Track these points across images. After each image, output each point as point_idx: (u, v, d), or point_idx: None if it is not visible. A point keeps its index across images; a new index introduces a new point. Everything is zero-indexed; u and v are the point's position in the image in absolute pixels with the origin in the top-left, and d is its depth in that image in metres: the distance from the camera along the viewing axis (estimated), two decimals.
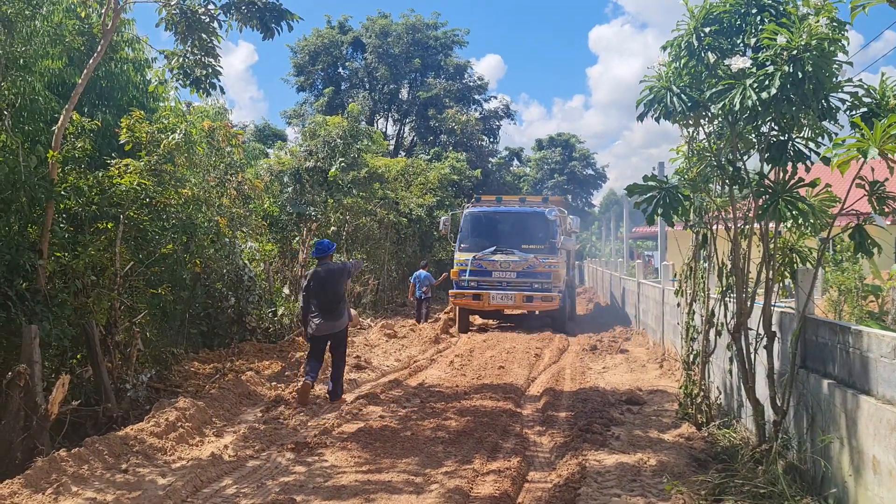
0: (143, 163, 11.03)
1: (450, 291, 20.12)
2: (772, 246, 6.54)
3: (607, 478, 6.70)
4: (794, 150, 5.96)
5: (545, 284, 18.75)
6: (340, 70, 49.72)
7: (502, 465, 7.11)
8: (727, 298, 8.01)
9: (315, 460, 7.47)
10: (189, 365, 12.95)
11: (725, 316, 7.64)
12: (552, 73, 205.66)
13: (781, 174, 6.09)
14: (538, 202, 21.16)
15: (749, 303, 6.87)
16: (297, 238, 21.43)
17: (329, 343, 10.41)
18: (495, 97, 66.63)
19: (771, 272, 6.54)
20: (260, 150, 32.68)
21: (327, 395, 10.46)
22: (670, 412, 9.49)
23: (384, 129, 47.56)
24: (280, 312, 17.72)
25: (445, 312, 23.87)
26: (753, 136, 6.34)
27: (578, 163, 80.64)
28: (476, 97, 50.88)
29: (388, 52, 46.80)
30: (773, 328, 6.92)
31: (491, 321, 21.52)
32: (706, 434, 8.32)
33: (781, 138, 6.04)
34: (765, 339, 6.71)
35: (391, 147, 44.91)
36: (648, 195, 6.48)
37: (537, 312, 19.57)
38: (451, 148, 44.14)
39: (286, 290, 19.54)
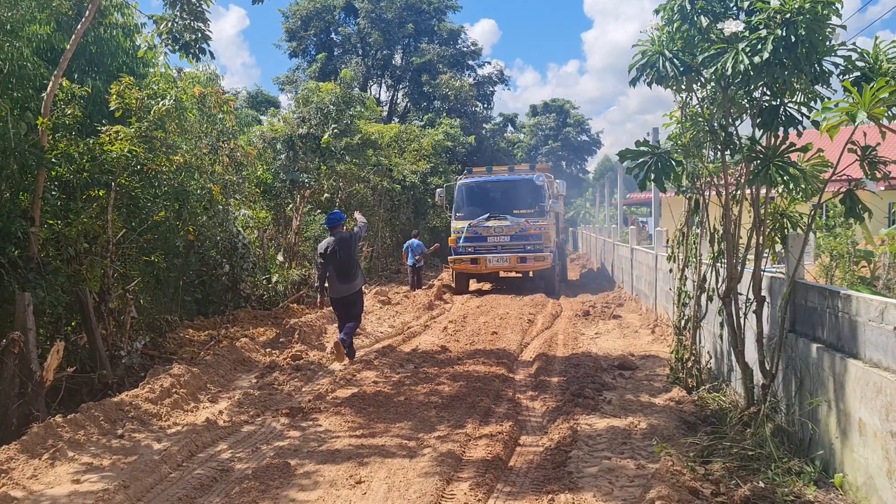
0: (133, 129, 10.94)
1: (449, 258, 21.08)
2: (763, 211, 6.56)
3: (598, 441, 6.79)
4: (785, 115, 5.95)
5: (537, 245, 19.69)
6: (333, 35, 49.26)
7: (494, 430, 7.18)
8: (718, 264, 8.06)
9: (309, 425, 7.54)
10: (184, 332, 13.03)
11: (717, 281, 7.68)
12: (547, 38, 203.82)
13: (773, 139, 6.09)
14: (526, 170, 22.45)
15: (739, 268, 6.90)
16: (290, 205, 21.40)
17: (345, 304, 10.74)
18: (489, 63, 66.18)
19: (761, 237, 6.56)
20: (253, 116, 32.46)
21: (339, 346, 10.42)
22: (662, 377, 9.57)
23: (377, 96, 47.22)
24: (274, 279, 17.75)
25: (439, 280, 23.99)
26: (746, 101, 6.31)
27: (573, 129, 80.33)
28: (470, 63, 50.55)
29: (381, 17, 46.32)
30: (763, 293, 6.97)
31: (486, 285, 22.38)
32: (696, 398, 8.41)
33: (773, 103, 6.02)
34: (754, 303, 6.75)
35: (384, 114, 44.66)
36: (640, 161, 6.48)
37: (531, 274, 20.48)
38: (444, 114, 43.92)
39: (280, 258, 19.55)
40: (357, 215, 12.01)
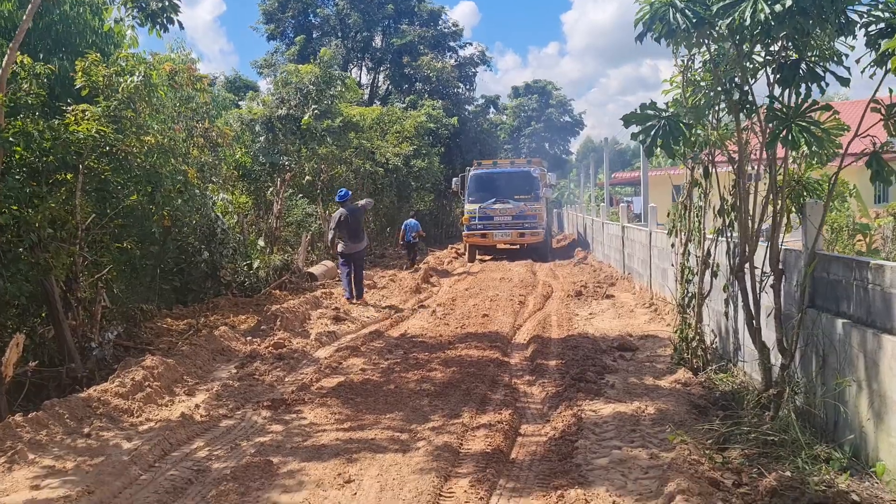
0: (101, 109, 10.33)
1: (463, 233, 25.93)
2: (780, 177, 6.05)
3: (605, 429, 6.31)
4: (807, 69, 5.43)
5: (532, 224, 24.62)
6: (311, 17, 48.32)
7: (493, 419, 6.69)
8: (726, 237, 7.58)
9: (293, 418, 7.01)
10: (161, 321, 12.46)
11: (730, 256, 7.18)
12: (526, 20, 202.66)
13: (794, 97, 5.57)
14: (524, 163, 27.82)
15: (755, 239, 6.39)
16: (270, 189, 20.77)
17: (353, 260, 14.59)
18: (470, 44, 65.31)
19: (779, 204, 6.06)
20: (231, 100, 31.65)
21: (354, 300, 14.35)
22: (664, 357, 9.11)
23: (358, 79, 46.34)
24: (256, 265, 17.16)
25: (425, 263, 23.48)
26: (763, 56, 5.79)
27: (555, 110, 79.77)
28: (451, 44, 49.72)
29: None
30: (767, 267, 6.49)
31: (488, 257, 26.55)
32: (703, 379, 7.96)
33: (793, 57, 5.50)
34: (771, 277, 6.26)
35: (365, 96, 43.85)
36: (647, 125, 5.95)
37: (526, 246, 25.30)
38: (426, 96, 43.21)
39: (261, 243, 18.93)
40: (366, 201, 16.20)
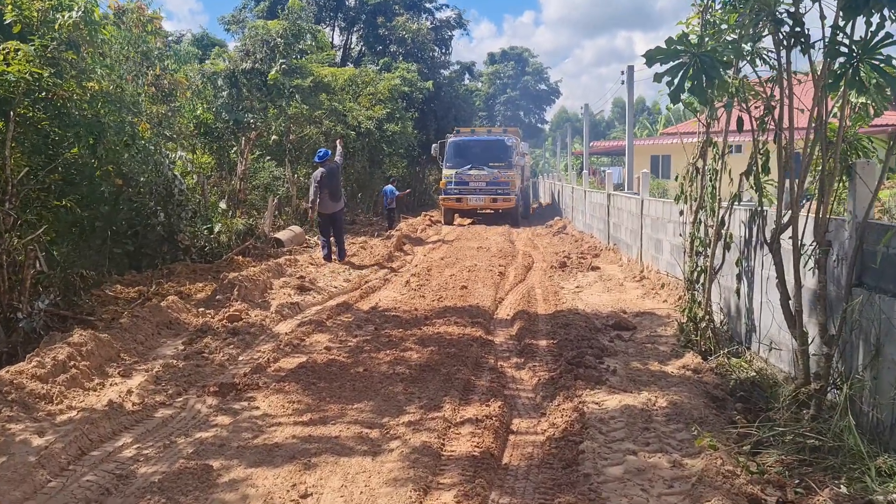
0: (35, 48, 9.07)
1: (440, 197, 27.31)
2: (835, 131, 5.04)
3: (613, 427, 5.32)
4: None
5: (505, 189, 25.74)
6: None
7: (479, 412, 5.67)
8: (749, 204, 6.60)
9: (243, 407, 5.94)
10: (110, 288, 11.26)
11: (748, 226, 6.19)
12: None
13: (865, 30, 4.53)
14: (500, 132, 29.43)
15: (799, 204, 5.36)
16: (234, 149, 19.46)
17: (333, 219, 14.73)
18: (447, 6, 63.32)
19: (830, 163, 5.05)
20: (195, 54, 30.02)
21: (336, 259, 14.67)
22: (666, 338, 8.16)
23: (330, 39, 44.55)
24: (217, 230, 15.94)
25: (397, 230, 22.40)
26: None
27: (531, 77, 78.57)
28: (427, 5, 48.13)
29: None
30: (809, 238, 5.51)
31: (465, 220, 27.65)
32: (715, 365, 7.01)
33: None
34: (816, 250, 5.27)
35: (337, 58, 42.22)
36: (676, 63, 4.90)
37: (500, 211, 26.28)
38: (401, 58, 41.68)
39: (223, 206, 17.66)
40: (338, 146, 16.35)
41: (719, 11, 6.95)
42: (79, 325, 8.81)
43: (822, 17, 4.87)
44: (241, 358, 7.51)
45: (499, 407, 5.75)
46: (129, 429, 5.47)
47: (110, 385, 6.48)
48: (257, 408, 5.90)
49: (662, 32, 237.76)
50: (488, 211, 26.72)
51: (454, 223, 26.56)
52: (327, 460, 4.76)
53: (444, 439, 5.16)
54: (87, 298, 10.52)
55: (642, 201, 12.72)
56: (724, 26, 6.76)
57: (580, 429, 5.24)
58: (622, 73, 20.87)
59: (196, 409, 5.92)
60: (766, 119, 6.14)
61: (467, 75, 58.73)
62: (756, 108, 6.11)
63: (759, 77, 5.67)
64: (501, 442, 5.22)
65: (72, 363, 6.45)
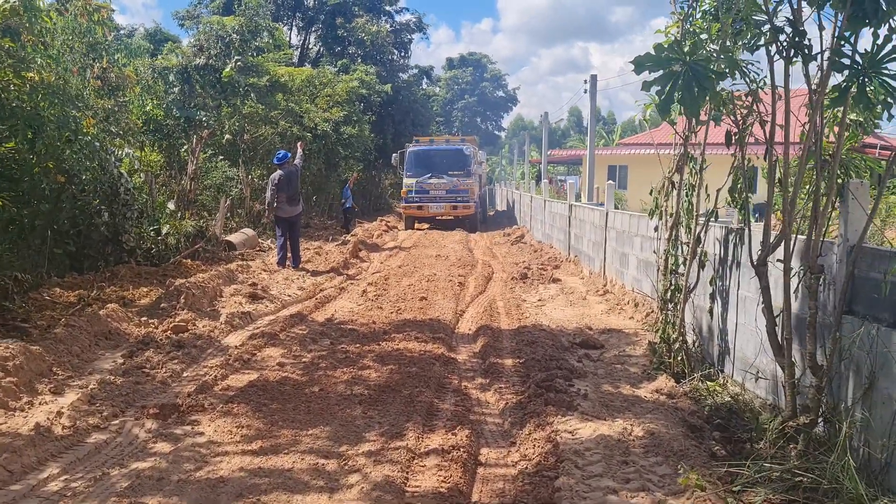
0: None
1: (401, 205, 28.66)
2: (830, 150, 4.74)
3: (590, 459, 4.94)
4: (892, 3, 4.08)
5: (465, 197, 26.73)
6: None
7: (445, 441, 5.24)
8: (726, 221, 6.31)
9: (186, 432, 5.42)
10: (49, 292, 10.58)
11: (748, 243, 5.88)
12: None
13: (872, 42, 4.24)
14: (458, 141, 30.27)
15: (791, 225, 5.04)
16: (185, 147, 18.74)
17: (290, 224, 14.40)
18: (407, 9, 63.04)
19: (825, 182, 4.74)
20: (146, 48, 29.07)
21: (290, 266, 14.34)
22: (636, 358, 7.84)
23: (288, 39, 43.75)
24: (165, 231, 15.24)
25: (353, 235, 21.91)
26: None
27: (490, 84, 78.62)
28: (387, 8, 47.63)
29: None
30: (796, 261, 5.22)
31: (426, 226, 28.20)
32: (689, 389, 6.71)
33: None
34: (805, 274, 4.96)
35: (295, 58, 41.49)
36: (665, 72, 4.55)
37: (460, 218, 27.11)
38: (359, 60, 41.15)
39: (171, 206, 16.95)
40: (299, 149, 16.12)
41: (700, 21, 6.68)
42: (11, 333, 8.19)
43: (821, 28, 4.57)
44: (185, 374, 6.97)
45: (466, 436, 5.34)
46: (57, 457, 4.92)
47: (39, 404, 5.89)
48: (202, 433, 5.39)
49: (617, 45, 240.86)
50: (448, 217, 27.34)
51: (414, 228, 27.49)
52: (279, 499, 4.28)
53: (407, 472, 4.72)
54: (23, 302, 9.85)
55: (607, 213, 12.44)
56: (703, 36, 6.50)
57: (555, 462, 4.85)
58: (585, 82, 20.74)
59: (133, 434, 5.38)
60: (746, 134, 5.87)
61: (425, 79, 58.27)
62: (741, 121, 5.80)
63: (748, 85, 5.33)
64: (470, 476, 4.80)
65: None
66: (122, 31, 37.70)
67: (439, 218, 27.63)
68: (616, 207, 13.06)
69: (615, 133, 63.15)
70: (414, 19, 49.46)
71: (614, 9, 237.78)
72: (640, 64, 4.63)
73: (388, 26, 45.95)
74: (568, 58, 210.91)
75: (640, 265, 10.40)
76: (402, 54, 48.48)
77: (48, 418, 5.43)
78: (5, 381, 5.89)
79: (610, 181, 13.28)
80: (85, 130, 10.75)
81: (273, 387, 6.49)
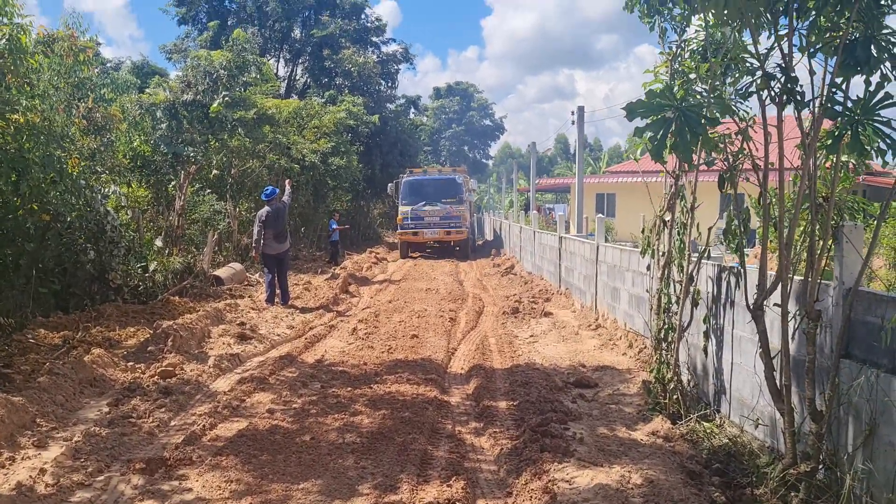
0: None
1: (397, 231, 29.43)
2: (824, 192, 4.71)
3: None
4: (882, 50, 4.08)
5: (457, 223, 28.24)
6: (227, 3, 45.70)
7: (441, 494, 5.11)
8: (718, 258, 6.26)
9: (174, 488, 5.27)
10: (34, 334, 10.39)
11: (744, 285, 5.83)
12: (447, 22, 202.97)
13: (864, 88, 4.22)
14: (450, 171, 31.94)
15: (788, 269, 4.99)
16: (173, 182, 18.64)
17: (278, 261, 14.31)
18: (394, 40, 63.24)
19: (819, 226, 4.70)
20: (133, 83, 29.06)
21: (280, 304, 14.22)
22: (630, 398, 7.75)
23: (275, 70, 43.83)
24: (152, 268, 15.11)
25: (342, 268, 21.80)
26: (815, 34, 4.42)
27: (476, 113, 79.01)
28: (374, 39, 47.93)
29: None
30: (792, 304, 5.17)
31: (418, 254, 29.62)
32: (685, 431, 6.62)
33: (867, 34, 4.13)
34: (802, 319, 4.91)
35: (282, 89, 41.57)
36: (658, 118, 4.52)
37: (453, 244, 28.99)
38: (346, 91, 41.26)
39: (159, 243, 16.84)
40: (287, 187, 15.84)
41: (688, 60, 6.69)
42: None
43: (812, 73, 4.56)
44: (173, 423, 6.82)
45: (461, 487, 5.21)
46: None
47: (22, 460, 5.74)
48: (190, 489, 5.25)
49: (602, 72, 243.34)
50: (442, 242, 29.02)
51: (409, 255, 28.77)
52: None
53: None
54: (6, 345, 9.68)
55: (598, 247, 12.41)
56: (692, 75, 6.51)
57: None
58: (572, 113, 20.81)
59: (119, 492, 5.22)
60: (738, 173, 5.84)
61: (413, 109, 58.56)
62: (732, 160, 5.78)
63: (737, 124, 5.31)
64: None
65: None
66: (108, 65, 37.67)
67: (434, 243, 29.11)
68: (606, 238, 13.04)
69: (602, 160, 63.50)
70: (400, 49, 49.79)
71: (599, 36, 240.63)
72: (632, 111, 4.59)
73: (374, 57, 46.19)
74: (554, 85, 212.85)
75: (631, 300, 10.35)
76: (389, 84, 48.69)
77: (31, 476, 5.27)
78: None
79: (599, 214, 13.29)
80: (70, 170, 10.66)
81: (263, 436, 6.35)
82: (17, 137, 9.57)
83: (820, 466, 4.78)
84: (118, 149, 15.13)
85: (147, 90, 22.80)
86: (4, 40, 8.70)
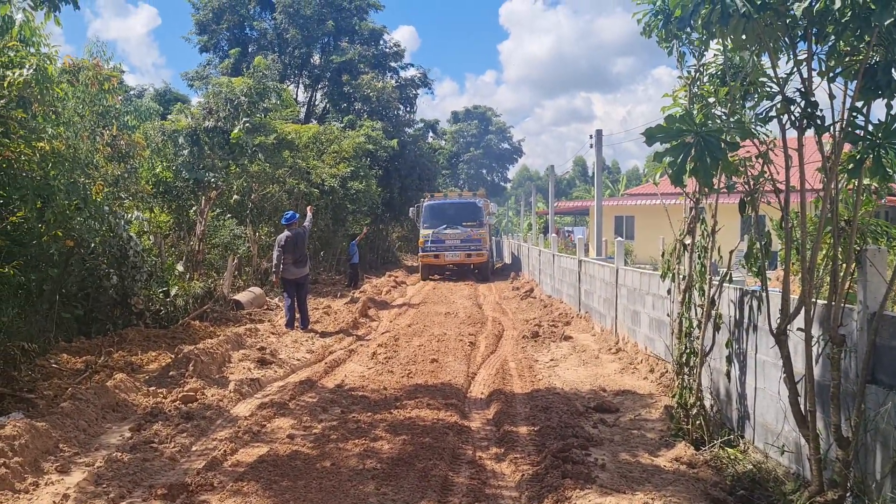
0: None
1: (419, 254, 30.13)
2: (847, 216, 4.69)
3: None
4: None
5: (478, 246, 28.87)
6: (248, 30, 46.33)
7: None
8: (739, 281, 6.22)
9: None
10: (56, 359, 10.49)
11: (766, 309, 5.78)
12: (465, 47, 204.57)
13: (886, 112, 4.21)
14: (470, 195, 32.63)
15: (811, 294, 4.95)
16: (194, 208, 18.85)
17: (297, 285, 14.35)
18: (412, 65, 63.71)
19: (842, 249, 4.67)
20: (156, 110, 29.47)
21: (299, 328, 14.24)
22: (652, 423, 7.69)
23: (295, 96, 44.32)
24: (173, 293, 15.24)
25: (361, 291, 21.86)
26: (834, 58, 4.42)
27: (494, 136, 79.23)
28: (392, 64, 48.35)
29: (299, 13, 43.65)
30: (816, 328, 5.12)
31: (438, 276, 29.89)
32: (709, 457, 6.54)
33: (876, 59, 4.12)
34: (826, 344, 4.87)
35: (302, 115, 41.96)
36: (677, 143, 4.52)
37: (472, 266, 29.57)
38: (365, 116, 41.57)
39: (180, 268, 17.00)
40: (308, 213, 15.63)
41: (707, 84, 6.70)
42: (17, 405, 8.11)
43: (832, 97, 4.56)
44: (194, 448, 6.84)
45: None
46: None
47: (45, 485, 5.77)
48: None
49: (619, 94, 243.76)
50: (462, 265, 29.47)
51: (430, 277, 29.26)
52: None
53: None
54: (30, 370, 9.78)
55: (617, 270, 12.36)
56: (711, 99, 6.52)
57: None
58: (591, 136, 20.87)
59: None
60: (758, 196, 5.82)
61: (431, 133, 58.87)
62: (752, 183, 5.76)
63: (757, 147, 5.30)
64: None
65: (1, 461, 5.75)
66: (131, 92, 38.25)
67: (453, 266, 29.61)
68: (625, 261, 13.00)
69: (620, 182, 63.43)
70: (419, 74, 50.12)
71: (616, 59, 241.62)
72: (651, 136, 4.61)
73: (393, 82, 46.54)
74: (571, 108, 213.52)
75: (652, 324, 10.29)
76: (408, 109, 48.99)
77: (54, 501, 5.31)
78: (12, 462, 5.78)
79: (618, 237, 13.26)
80: (94, 196, 10.80)
81: (283, 461, 6.35)
82: (43, 165, 9.71)
83: (847, 494, 4.71)
84: (141, 175, 15.31)
85: (169, 117, 23.14)
86: (31, 70, 8.84)
